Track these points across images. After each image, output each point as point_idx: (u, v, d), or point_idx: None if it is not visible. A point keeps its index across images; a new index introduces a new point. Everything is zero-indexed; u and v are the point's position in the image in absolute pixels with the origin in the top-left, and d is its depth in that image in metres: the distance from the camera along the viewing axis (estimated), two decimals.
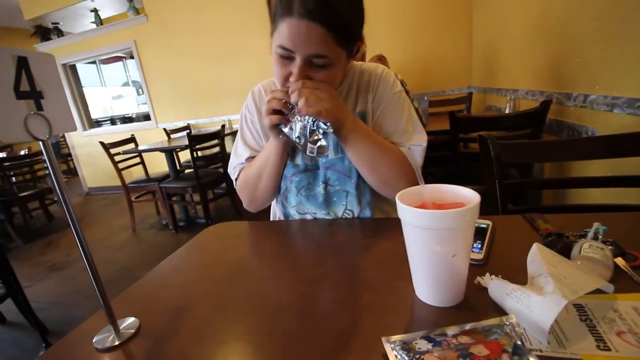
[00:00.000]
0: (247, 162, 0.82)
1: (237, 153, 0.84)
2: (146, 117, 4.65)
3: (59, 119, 0.43)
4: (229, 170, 0.88)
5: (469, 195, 0.41)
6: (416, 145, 0.72)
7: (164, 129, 3.78)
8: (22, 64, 0.40)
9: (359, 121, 0.68)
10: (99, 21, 4.27)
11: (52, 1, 4.01)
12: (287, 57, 0.62)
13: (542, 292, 0.37)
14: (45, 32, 4.47)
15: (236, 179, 0.84)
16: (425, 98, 2.00)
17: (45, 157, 0.42)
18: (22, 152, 3.68)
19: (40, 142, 0.41)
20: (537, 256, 0.42)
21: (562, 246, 0.50)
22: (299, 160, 0.77)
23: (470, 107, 2.74)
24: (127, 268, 2.42)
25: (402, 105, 0.75)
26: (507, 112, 1.86)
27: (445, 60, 3.08)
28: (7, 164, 3.26)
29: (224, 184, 3.01)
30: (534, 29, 1.74)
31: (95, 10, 4.19)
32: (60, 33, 4.51)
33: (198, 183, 2.65)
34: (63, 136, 5.39)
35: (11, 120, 0.38)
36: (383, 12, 3.05)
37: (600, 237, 0.48)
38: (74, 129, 0.45)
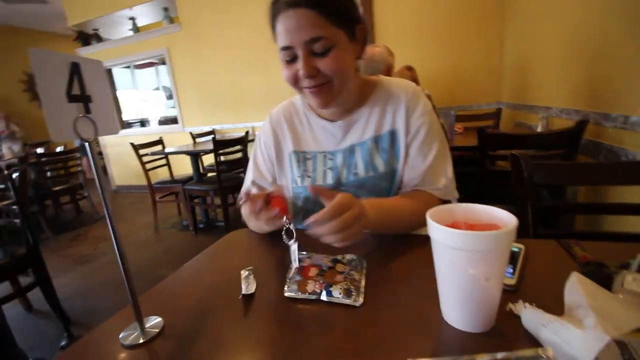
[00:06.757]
0: (253, 187, 0.82)
1: (247, 175, 0.86)
2: (173, 121, 4.82)
3: (104, 121, 0.45)
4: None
5: (505, 217, 0.39)
6: (448, 184, 0.71)
7: (190, 133, 3.90)
8: (75, 69, 0.43)
9: (376, 211, 0.60)
10: (136, 29, 4.52)
11: (95, 9, 4.27)
12: (291, 59, 0.64)
13: (581, 325, 0.35)
14: (86, 37, 4.76)
15: (242, 204, 0.84)
16: (452, 112, 1.97)
17: (90, 157, 0.44)
18: (58, 149, 3.89)
19: (86, 143, 0.43)
20: (577, 286, 0.40)
21: (602, 277, 0.47)
22: (320, 180, 0.77)
23: (499, 123, 2.67)
24: (148, 266, 2.48)
25: (432, 136, 0.73)
26: (539, 130, 1.80)
27: (474, 73, 3.01)
28: (44, 159, 3.45)
29: None
30: (570, 44, 1.68)
31: (132, 19, 4.44)
32: (99, 39, 4.80)
33: (220, 187, 2.70)
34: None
35: (62, 122, 0.40)
36: (412, 22, 3.04)
37: None
38: (117, 131, 0.47)
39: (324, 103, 0.68)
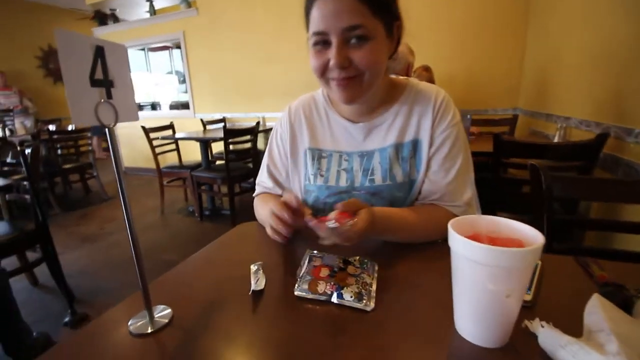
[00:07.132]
0: (269, 178, 0.83)
1: (262, 166, 0.85)
2: (185, 106, 4.82)
3: (125, 108, 0.45)
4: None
5: (530, 234, 0.38)
6: (469, 202, 0.70)
7: (201, 120, 3.91)
8: (99, 53, 0.42)
9: (383, 219, 0.62)
10: (153, 11, 4.50)
11: None
12: (323, 43, 0.61)
13: (603, 350, 0.34)
14: (103, 17, 4.76)
15: (255, 196, 0.86)
16: (468, 116, 1.93)
17: (109, 142, 0.43)
18: (70, 127, 3.92)
19: (106, 129, 0.42)
20: (598, 309, 0.39)
21: (622, 300, 0.45)
22: (332, 181, 0.75)
23: (515, 130, 2.61)
24: (153, 249, 2.51)
25: (457, 151, 0.70)
26: (555, 140, 1.76)
27: (492, 77, 2.93)
28: (56, 136, 3.48)
29: (251, 179, 3.07)
30: (595, 54, 1.63)
31: (150, 1, 4.42)
32: (116, 19, 4.79)
33: (228, 175, 2.71)
34: None
35: (84, 106, 0.40)
36: (431, 20, 2.98)
37: None
38: (137, 118, 0.47)
39: (351, 98, 0.65)
